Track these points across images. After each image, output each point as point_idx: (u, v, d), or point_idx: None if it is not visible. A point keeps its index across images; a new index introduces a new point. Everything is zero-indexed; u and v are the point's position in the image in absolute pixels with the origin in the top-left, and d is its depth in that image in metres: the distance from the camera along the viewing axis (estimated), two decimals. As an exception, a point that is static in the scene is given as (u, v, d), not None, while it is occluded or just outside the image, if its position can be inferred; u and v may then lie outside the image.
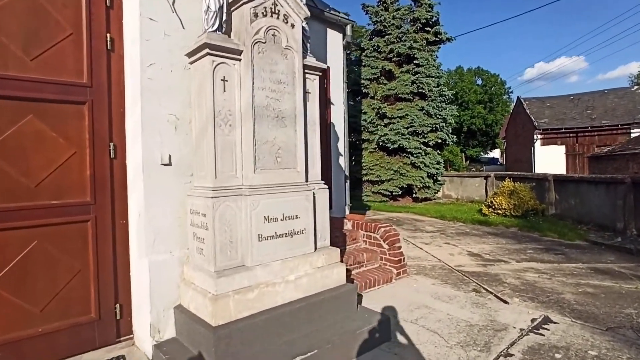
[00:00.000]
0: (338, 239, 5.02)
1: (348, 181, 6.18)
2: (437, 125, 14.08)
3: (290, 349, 2.81)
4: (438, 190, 14.90)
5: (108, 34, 3.01)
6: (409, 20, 14.70)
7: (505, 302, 4.19)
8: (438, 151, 14.85)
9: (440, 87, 14.45)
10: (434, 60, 14.55)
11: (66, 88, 2.84)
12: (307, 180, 3.39)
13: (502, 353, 3.07)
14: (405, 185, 13.91)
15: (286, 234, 3.12)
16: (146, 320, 3.00)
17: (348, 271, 4.63)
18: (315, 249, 3.38)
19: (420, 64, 13.99)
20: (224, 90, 2.88)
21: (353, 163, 15.39)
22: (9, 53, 2.62)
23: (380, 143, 14.12)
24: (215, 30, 2.87)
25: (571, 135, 22.34)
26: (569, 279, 4.97)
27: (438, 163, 14.35)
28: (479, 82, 42.88)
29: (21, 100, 2.67)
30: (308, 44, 3.49)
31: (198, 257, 2.98)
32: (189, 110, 3.16)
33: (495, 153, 48.69)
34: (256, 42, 2.97)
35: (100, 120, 2.99)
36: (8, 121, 2.63)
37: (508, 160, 29.56)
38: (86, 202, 2.95)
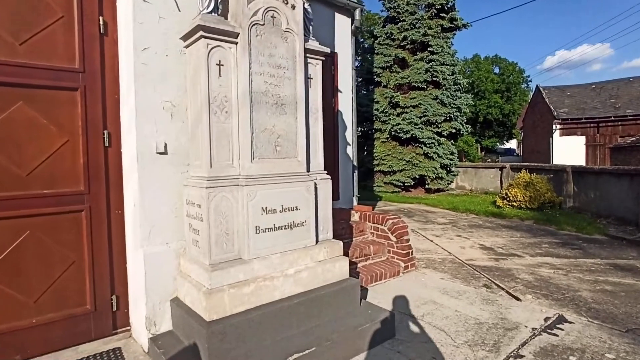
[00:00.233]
0: (345, 230, 4.90)
1: (356, 171, 6.01)
2: (452, 115, 13.70)
3: (288, 346, 2.70)
4: (451, 182, 14.57)
5: (101, 17, 2.90)
6: (423, 6, 14.24)
7: (517, 299, 4.01)
8: (452, 141, 14.48)
9: (455, 75, 14.02)
10: (449, 48, 14.10)
11: (57, 74, 2.74)
12: (308, 170, 3.24)
13: (512, 354, 2.90)
14: (417, 176, 13.63)
15: (285, 226, 3.00)
16: (142, 313, 2.94)
17: (354, 264, 4.51)
18: (317, 241, 3.25)
19: (435, 51, 13.58)
20: (220, 76, 2.74)
21: (365, 153, 15.18)
22: (-4, 36, 2.53)
23: (393, 133, 13.83)
24: (210, 12, 2.72)
25: (592, 125, 21.54)
26: (586, 276, 4.73)
27: (452, 153, 13.99)
28: (497, 70, 41.75)
29: (10, 86, 2.58)
30: (310, 27, 3.31)
31: (194, 249, 2.88)
32: (185, 96, 3.04)
33: (512, 144, 47.58)
34: (254, 24, 2.81)
35: (93, 107, 2.89)
36: (-3, 108, 2.55)
37: (525, 151, 28.80)
38: (80, 192, 2.87)
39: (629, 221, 7.73)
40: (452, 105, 13.75)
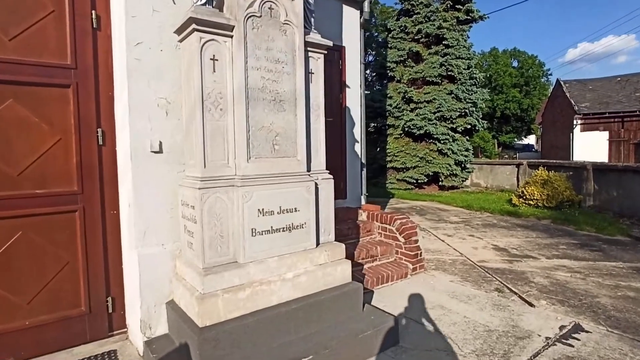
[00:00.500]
0: (351, 230, 4.76)
1: (364, 169, 5.84)
2: (467, 110, 13.33)
3: (285, 353, 2.59)
4: (466, 179, 14.22)
5: (93, 11, 2.81)
6: (438, -3, 13.88)
7: (530, 304, 3.81)
8: (467, 137, 14.11)
9: (470, 69, 13.63)
10: (465, 41, 13.69)
11: (49, 70, 2.66)
12: (309, 170, 3.11)
13: (523, 366, 2.73)
14: (431, 173, 13.35)
15: (284, 228, 2.87)
16: (138, 315, 2.86)
17: (360, 265, 4.37)
18: (318, 244, 3.12)
19: (450, 44, 13.21)
20: (214, 71, 2.62)
21: (378, 149, 14.95)
22: (-16, 32, 2.46)
23: (406, 129, 13.55)
24: (204, 4, 2.60)
25: (616, 120, 20.71)
26: (606, 280, 4.48)
27: (467, 150, 13.63)
28: (515, 64, 40.66)
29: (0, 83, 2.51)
30: (312, 19, 3.16)
31: (189, 251, 2.79)
32: (181, 93, 2.93)
33: (531, 139, 46.36)
34: (250, 16, 2.67)
35: (86, 104, 2.81)
36: (-15, 106, 2.49)
37: (544, 147, 27.99)
38: (73, 192, 2.81)
39: (654, 222, 7.37)
40: (467, 100, 13.38)
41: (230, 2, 2.69)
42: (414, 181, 13.58)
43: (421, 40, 13.83)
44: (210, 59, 2.60)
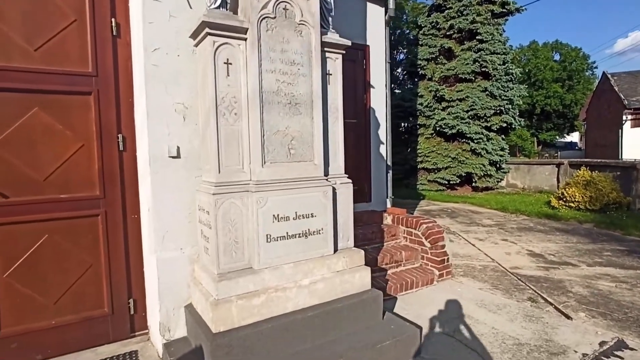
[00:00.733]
0: (375, 234, 4.63)
1: (390, 171, 5.68)
2: (502, 108, 12.75)
3: (299, 362, 2.53)
4: (501, 179, 13.62)
5: (113, 19, 2.86)
6: (471, -10, 13.36)
7: (567, 317, 3.54)
8: (502, 136, 13.49)
9: (506, 64, 13.03)
10: (500, 35, 13.10)
11: (71, 78, 2.74)
12: (326, 174, 3.03)
13: (556, 386, 2.53)
14: (463, 174, 12.88)
15: (300, 234, 2.81)
16: (157, 318, 2.90)
17: (383, 270, 4.24)
18: (336, 250, 3.04)
19: (484, 39, 12.68)
20: (228, 75, 2.60)
21: (408, 150, 14.63)
22: (12, 43, 2.56)
23: (438, 128, 13.16)
24: (218, 7, 2.59)
25: (670, 115, 19.24)
26: (655, 292, 4.11)
27: (502, 149, 13.04)
28: (557, 57, 38.62)
29: (26, 92, 2.62)
30: (330, 18, 3.08)
31: (205, 256, 2.79)
32: (198, 98, 2.94)
33: (574, 137, 43.93)
34: (263, 18, 2.63)
35: (107, 111, 2.88)
36: (14, 114, 2.60)
37: (588, 144, 26.41)
38: (95, 196, 2.88)
39: None
40: (502, 97, 12.80)
41: (244, 3, 2.67)
42: (446, 182, 13.17)
43: (453, 36, 13.38)
44: (224, 62, 2.58)
